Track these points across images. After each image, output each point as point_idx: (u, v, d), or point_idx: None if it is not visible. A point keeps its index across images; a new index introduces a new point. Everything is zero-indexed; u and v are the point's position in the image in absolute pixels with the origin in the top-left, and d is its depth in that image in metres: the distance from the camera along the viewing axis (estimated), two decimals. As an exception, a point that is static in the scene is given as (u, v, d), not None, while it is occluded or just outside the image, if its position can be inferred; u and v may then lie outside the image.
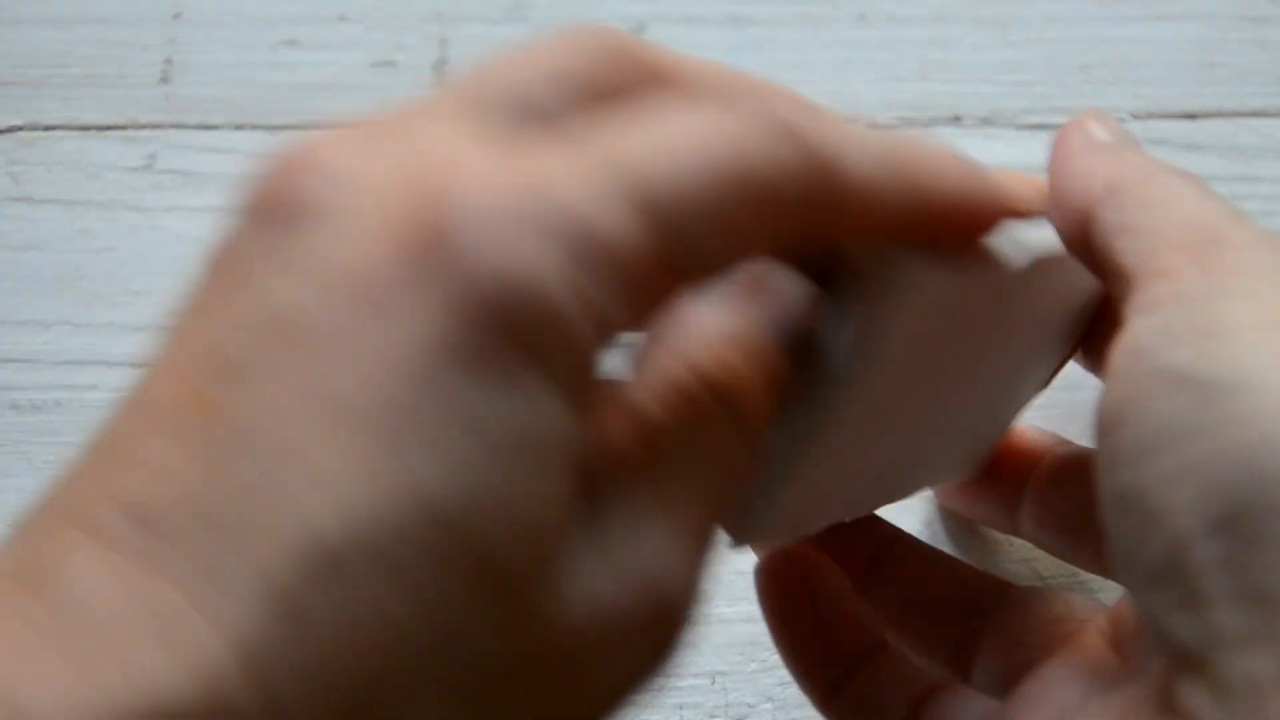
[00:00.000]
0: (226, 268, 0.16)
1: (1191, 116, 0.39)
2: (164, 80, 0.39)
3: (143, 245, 0.37)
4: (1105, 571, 0.27)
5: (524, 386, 0.15)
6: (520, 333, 0.15)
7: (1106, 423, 0.19)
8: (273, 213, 0.16)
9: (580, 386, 0.16)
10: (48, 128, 0.38)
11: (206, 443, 0.14)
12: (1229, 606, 0.17)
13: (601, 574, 0.16)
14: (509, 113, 0.17)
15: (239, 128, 0.38)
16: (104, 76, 0.39)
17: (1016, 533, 0.29)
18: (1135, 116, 0.39)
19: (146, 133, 0.38)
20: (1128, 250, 0.20)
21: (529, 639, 0.15)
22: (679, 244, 0.16)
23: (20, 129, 0.38)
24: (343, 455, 0.14)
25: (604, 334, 0.16)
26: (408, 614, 0.14)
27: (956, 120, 0.38)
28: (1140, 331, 0.19)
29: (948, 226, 0.19)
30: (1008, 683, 0.25)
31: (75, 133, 0.38)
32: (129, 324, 0.36)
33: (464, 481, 0.14)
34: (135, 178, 0.37)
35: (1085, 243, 0.21)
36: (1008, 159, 0.37)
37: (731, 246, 0.17)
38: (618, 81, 0.18)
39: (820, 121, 0.17)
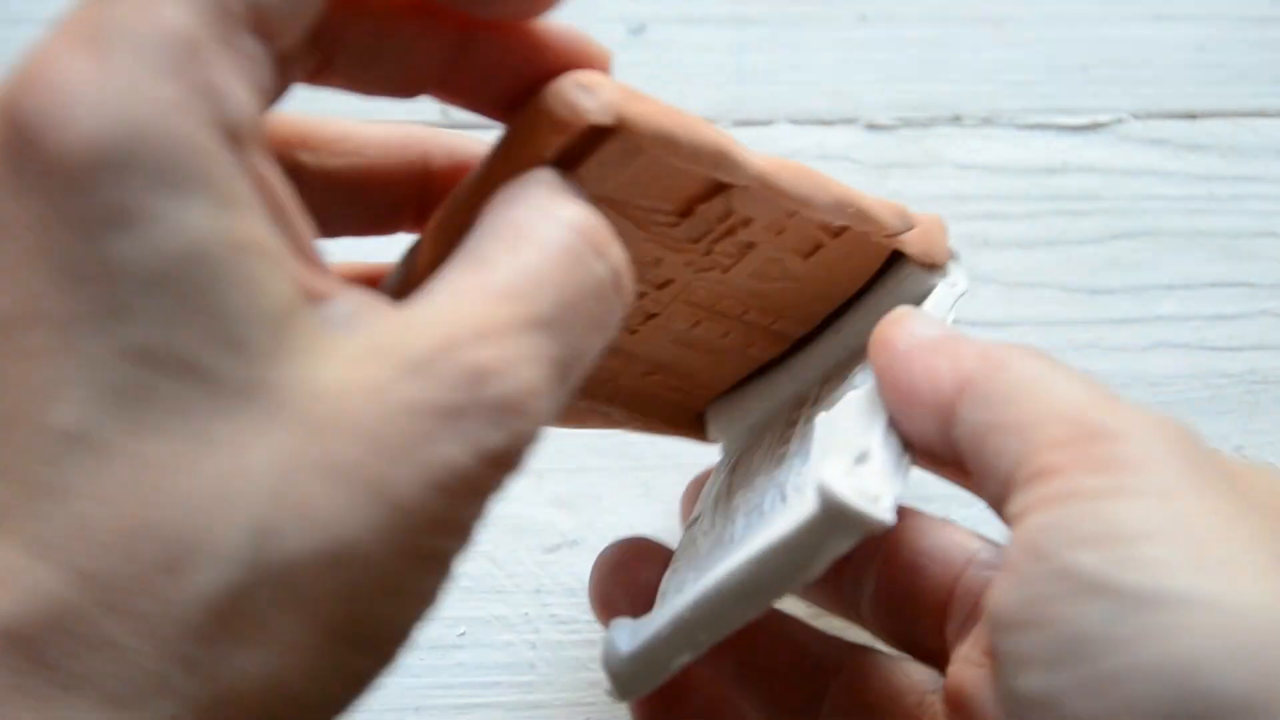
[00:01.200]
0: None
1: (1191, 116, 0.39)
2: (164, 80, 0.39)
3: (143, 245, 0.37)
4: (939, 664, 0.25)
5: (153, 215, 0.15)
6: (117, 174, 0.15)
7: (1006, 621, 0.18)
8: None
9: (233, 174, 0.15)
10: (48, 128, 0.38)
11: None
12: None
13: (375, 353, 0.16)
14: None
15: (239, 128, 0.38)
16: (104, 76, 0.39)
17: (855, 618, 0.26)
18: (1135, 116, 0.39)
19: (147, 133, 0.38)
20: (1002, 451, 0.19)
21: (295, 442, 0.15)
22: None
23: (20, 129, 0.38)
24: (48, 364, 0.15)
25: (230, 107, 0.16)
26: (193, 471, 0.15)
27: (956, 120, 0.38)
28: (1035, 530, 0.18)
29: None
30: None
31: (75, 133, 0.38)
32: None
33: (152, 322, 0.15)
34: (135, 178, 0.37)
35: (948, 447, 0.20)
36: (1008, 159, 0.37)
37: None
38: None
39: None
